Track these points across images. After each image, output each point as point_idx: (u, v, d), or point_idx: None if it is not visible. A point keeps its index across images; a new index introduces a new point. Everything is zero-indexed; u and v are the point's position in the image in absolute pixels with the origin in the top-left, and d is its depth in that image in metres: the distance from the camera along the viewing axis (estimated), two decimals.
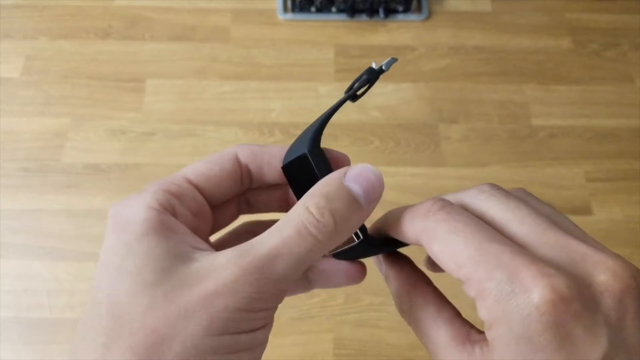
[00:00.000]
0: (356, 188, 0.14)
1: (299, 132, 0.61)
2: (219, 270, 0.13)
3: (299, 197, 0.16)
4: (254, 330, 0.14)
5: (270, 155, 0.17)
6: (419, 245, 0.15)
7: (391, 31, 0.65)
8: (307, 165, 0.16)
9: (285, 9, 0.66)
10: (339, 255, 0.17)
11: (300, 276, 0.15)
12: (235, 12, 0.66)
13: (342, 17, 0.65)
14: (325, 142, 0.56)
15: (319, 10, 0.65)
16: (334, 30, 0.65)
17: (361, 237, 0.16)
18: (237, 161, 0.16)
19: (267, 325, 0.14)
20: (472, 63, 0.63)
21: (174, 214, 0.15)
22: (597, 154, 0.58)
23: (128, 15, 0.65)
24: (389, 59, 0.20)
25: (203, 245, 0.14)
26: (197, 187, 0.16)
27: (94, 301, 0.14)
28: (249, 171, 0.17)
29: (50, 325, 0.48)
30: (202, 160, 0.16)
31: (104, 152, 0.56)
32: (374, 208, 0.15)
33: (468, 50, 0.64)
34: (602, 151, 0.58)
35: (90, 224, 0.52)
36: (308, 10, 0.65)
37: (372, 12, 0.65)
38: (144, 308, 0.13)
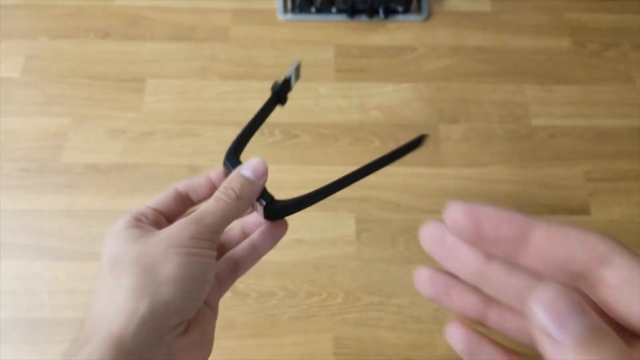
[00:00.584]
0: (247, 172, 0.25)
1: (298, 133, 0.62)
2: (172, 227, 0.23)
3: None
4: (201, 248, 0.22)
5: (199, 183, 0.27)
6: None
7: (391, 31, 0.65)
8: (228, 171, 0.26)
9: (285, 9, 0.66)
10: (267, 217, 0.27)
11: (247, 247, 0.28)
12: (235, 12, 0.66)
13: (342, 17, 0.65)
14: (326, 143, 0.57)
15: (319, 10, 0.65)
16: (334, 31, 0.65)
17: (264, 202, 0.26)
18: (177, 190, 0.27)
19: (211, 247, 0.23)
20: (472, 63, 0.63)
21: (142, 223, 0.24)
22: (597, 154, 0.58)
23: (128, 15, 0.65)
24: (292, 64, 0.29)
25: None
26: (155, 210, 0.26)
27: (100, 266, 0.23)
28: (187, 195, 0.27)
29: (50, 325, 0.48)
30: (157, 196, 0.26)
31: (104, 152, 0.56)
32: (264, 182, 0.26)
33: (468, 50, 0.64)
34: (601, 151, 0.58)
35: (90, 224, 0.52)
36: (308, 11, 0.65)
37: (372, 12, 0.65)
38: (131, 250, 0.22)
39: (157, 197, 0.26)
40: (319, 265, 0.50)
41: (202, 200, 0.27)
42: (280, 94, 0.31)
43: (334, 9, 0.65)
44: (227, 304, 0.48)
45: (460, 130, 0.59)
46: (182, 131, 0.57)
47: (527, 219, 0.14)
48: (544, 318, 0.12)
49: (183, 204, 0.27)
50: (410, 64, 0.63)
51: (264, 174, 0.26)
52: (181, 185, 0.27)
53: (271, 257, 0.51)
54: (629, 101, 0.61)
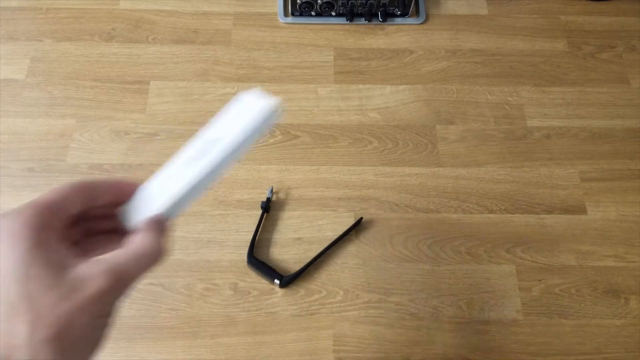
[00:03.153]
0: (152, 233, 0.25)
1: (299, 133, 0.63)
2: (94, 279, 0.20)
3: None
4: (108, 316, 0.21)
5: (104, 187, 0.24)
6: None
7: (389, 34, 0.66)
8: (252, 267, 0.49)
9: (285, 13, 0.67)
10: (281, 287, 0.48)
11: None
12: (236, 15, 0.67)
13: (342, 20, 0.66)
14: (326, 143, 0.58)
15: (319, 14, 0.66)
16: (333, 34, 0.66)
17: (278, 280, 0.46)
18: (85, 188, 0.23)
19: (115, 308, 0.22)
20: (469, 65, 0.64)
21: (46, 228, 0.21)
22: (592, 154, 0.59)
23: (132, 18, 0.66)
24: (268, 189, 0.53)
25: (71, 251, 0.21)
26: (63, 211, 0.22)
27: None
28: (89, 196, 0.24)
29: None
30: (49, 191, 0.23)
31: (108, 152, 0.57)
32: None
33: (465, 52, 0.65)
34: (596, 151, 0.59)
35: None
36: (308, 14, 0.66)
37: (370, 16, 0.66)
38: (51, 303, 0.19)
39: (63, 190, 0.23)
40: (319, 263, 0.51)
41: (99, 207, 0.24)
42: (267, 207, 0.53)
43: (333, 13, 0.66)
44: (228, 301, 0.49)
45: (456, 131, 0.60)
46: (185, 132, 0.58)
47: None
48: None
49: (86, 206, 0.24)
50: (408, 66, 0.64)
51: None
52: (85, 184, 0.24)
53: (272, 255, 0.52)
54: (624, 102, 0.62)
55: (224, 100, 0.61)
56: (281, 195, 0.55)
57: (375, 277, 0.51)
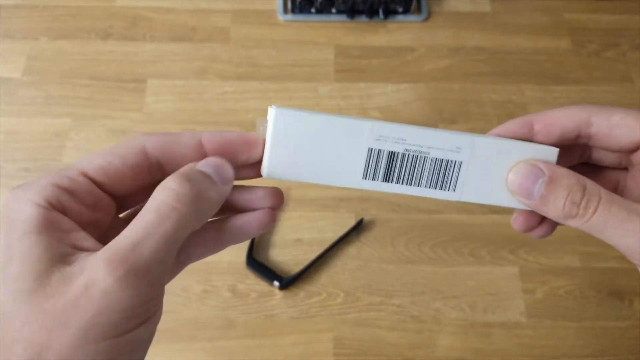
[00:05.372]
0: (207, 168, 0.15)
1: None
2: (86, 271, 0.13)
3: None
4: (135, 328, 0.13)
5: (182, 146, 0.16)
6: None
7: (391, 32, 0.65)
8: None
9: (285, 10, 0.66)
10: (282, 289, 0.39)
11: (209, 239, 0.17)
12: (235, 12, 0.66)
13: (342, 18, 0.65)
14: None
15: (319, 11, 0.65)
16: (333, 31, 0.65)
17: (278, 283, 0.43)
18: (144, 154, 0.16)
19: (151, 317, 0.13)
20: (472, 63, 0.63)
21: (63, 210, 0.14)
22: None
23: (129, 15, 0.65)
24: None
25: (89, 243, 0.14)
26: (94, 181, 0.15)
27: None
28: (159, 163, 0.16)
29: None
30: (104, 152, 0.15)
31: None
32: (229, 188, 0.16)
33: (467, 50, 0.64)
34: None
35: None
36: (308, 11, 0.65)
37: (371, 13, 0.65)
38: (22, 320, 0.12)
39: (104, 157, 0.15)
40: (319, 265, 0.51)
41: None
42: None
43: (334, 10, 0.65)
44: (226, 304, 0.49)
45: (459, 130, 0.59)
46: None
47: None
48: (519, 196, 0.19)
49: (148, 175, 0.16)
50: (409, 64, 0.63)
51: (231, 176, 0.16)
52: (152, 144, 0.16)
53: (272, 256, 0.51)
54: (628, 101, 0.61)
55: (222, 99, 0.60)
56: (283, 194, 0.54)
57: (376, 279, 0.50)
